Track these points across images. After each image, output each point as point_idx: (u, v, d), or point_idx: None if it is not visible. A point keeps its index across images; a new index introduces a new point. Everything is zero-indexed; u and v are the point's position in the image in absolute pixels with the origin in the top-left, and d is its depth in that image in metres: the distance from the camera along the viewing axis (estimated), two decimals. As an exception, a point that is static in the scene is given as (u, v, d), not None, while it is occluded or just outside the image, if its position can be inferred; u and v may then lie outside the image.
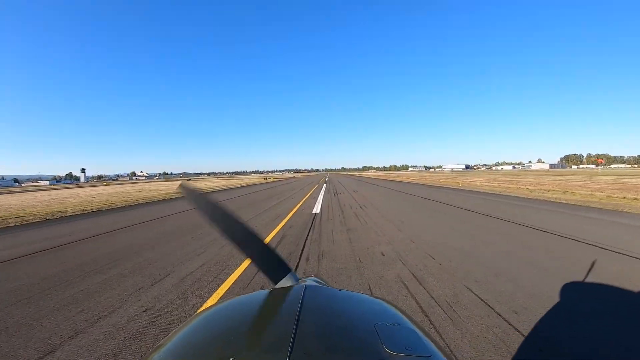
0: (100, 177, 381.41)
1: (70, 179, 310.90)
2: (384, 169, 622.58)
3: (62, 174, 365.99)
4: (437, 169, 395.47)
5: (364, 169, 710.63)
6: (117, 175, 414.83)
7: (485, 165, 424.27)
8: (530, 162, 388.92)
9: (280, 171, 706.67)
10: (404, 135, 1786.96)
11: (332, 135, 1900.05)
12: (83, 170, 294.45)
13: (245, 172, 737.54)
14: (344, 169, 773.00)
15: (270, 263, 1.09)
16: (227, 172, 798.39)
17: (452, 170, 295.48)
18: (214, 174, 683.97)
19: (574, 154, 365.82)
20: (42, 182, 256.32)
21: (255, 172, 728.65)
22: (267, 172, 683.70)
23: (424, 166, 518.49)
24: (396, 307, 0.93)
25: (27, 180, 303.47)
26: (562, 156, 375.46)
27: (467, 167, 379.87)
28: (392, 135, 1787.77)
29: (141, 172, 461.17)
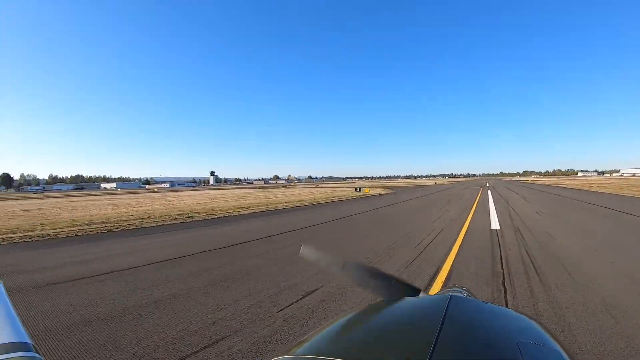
0: (237, 180, 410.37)
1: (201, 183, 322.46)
2: (547, 174, 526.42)
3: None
4: (613, 174, 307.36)
5: (525, 174, 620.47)
6: (262, 179, 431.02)
7: None
8: None
9: (434, 176, 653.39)
10: (569, 134, 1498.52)
11: (490, 137, 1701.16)
12: (212, 173, 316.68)
13: (413, 177, 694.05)
14: (502, 174, 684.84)
15: (401, 291, 1.14)
16: (379, 177, 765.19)
17: (634, 175, 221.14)
18: (367, 178, 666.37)
19: None
20: (163, 185, 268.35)
21: (409, 177, 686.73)
22: (432, 176, 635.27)
23: (596, 170, 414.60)
24: (542, 325, 0.89)
25: (157, 183, 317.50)
26: None
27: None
28: (556, 134, 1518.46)
29: (289, 175, 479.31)
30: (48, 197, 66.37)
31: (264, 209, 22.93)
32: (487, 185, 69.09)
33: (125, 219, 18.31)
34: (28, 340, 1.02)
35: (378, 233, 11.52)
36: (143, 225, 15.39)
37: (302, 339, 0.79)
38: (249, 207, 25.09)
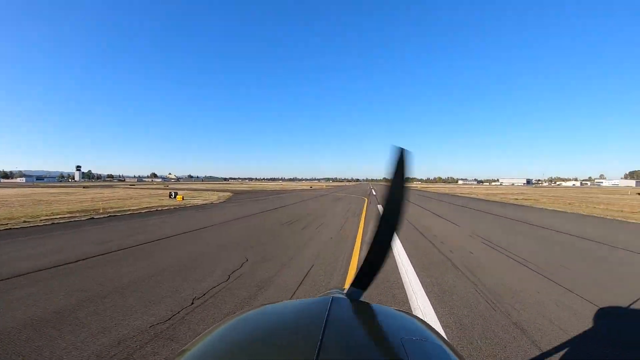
0: (110, 176, 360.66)
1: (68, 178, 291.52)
2: (428, 180, 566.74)
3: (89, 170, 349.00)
4: (492, 183, 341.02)
5: (407, 180, 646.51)
6: (137, 177, 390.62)
7: (551, 180, 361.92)
8: (590, 177, 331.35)
9: (319, 179, 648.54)
10: (451, 144, 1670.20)
11: (373, 143, 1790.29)
12: (78, 168, 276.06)
13: (297, 179, 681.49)
14: (386, 180, 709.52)
15: None
16: (263, 178, 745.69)
17: (513, 185, 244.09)
18: (250, 179, 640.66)
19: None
20: (19, 180, 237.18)
21: (293, 179, 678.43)
22: (316, 179, 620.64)
23: (475, 179, 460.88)
24: (423, 321, 0.92)
25: (23, 176, 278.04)
26: (627, 172, 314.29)
27: (529, 182, 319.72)
28: (437, 144, 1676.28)
29: (169, 174, 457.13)
30: None
31: None
32: (374, 192, 49.40)
33: None
34: None
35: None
36: None
37: (183, 349, 0.74)
38: None
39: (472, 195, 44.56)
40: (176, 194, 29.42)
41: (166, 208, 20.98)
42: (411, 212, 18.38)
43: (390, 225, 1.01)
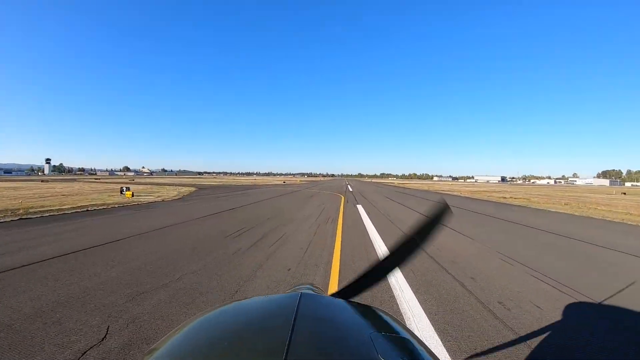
0: (81, 170, 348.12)
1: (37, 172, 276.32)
2: (403, 177, 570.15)
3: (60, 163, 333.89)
4: (467, 180, 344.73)
5: (382, 176, 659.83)
6: (109, 171, 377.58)
7: (524, 178, 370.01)
8: (563, 175, 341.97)
9: (294, 174, 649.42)
10: (427, 142, 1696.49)
11: (349, 140, 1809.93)
12: (48, 161, 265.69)
13: (272, 174, 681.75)
14: (360, 175, 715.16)
15: None
16: (238, 172, 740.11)
17: (487, 182, 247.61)
18: (225, 173, 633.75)
19: (613, 170, 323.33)
20: None
21: (268, 174, 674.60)
22: (290, 174, 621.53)
23: (450, 176, 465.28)
24: (391, 316, 0.92)
25: None
26: (600, 171, 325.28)
27: (503, 179, 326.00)
28: (413, 141, 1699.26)
29: (142, 167, 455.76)
30: None
31: None
32: (350, 189, 44.66)
33: None
34: None
35: None
36: None
37: (152, 347, 0.73)
38: None
39: (455, 193, 41.25)
40: (128, 189, 25.41)
41: (104, 207, 17.26)
42: (402, 217, 15.15)
43: (398, 257, 1.08)
